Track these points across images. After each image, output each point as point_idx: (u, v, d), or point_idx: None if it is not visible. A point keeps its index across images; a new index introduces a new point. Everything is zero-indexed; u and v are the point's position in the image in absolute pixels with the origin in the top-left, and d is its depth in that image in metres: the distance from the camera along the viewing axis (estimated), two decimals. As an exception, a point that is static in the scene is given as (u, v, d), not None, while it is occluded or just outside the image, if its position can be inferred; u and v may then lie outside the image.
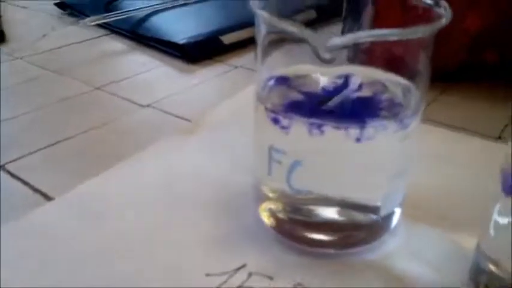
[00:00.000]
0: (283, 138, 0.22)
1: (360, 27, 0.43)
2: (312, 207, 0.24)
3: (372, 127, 0.20)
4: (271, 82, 0.25)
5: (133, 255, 0.24)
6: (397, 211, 0.25)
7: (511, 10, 0.40)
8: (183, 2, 0.58)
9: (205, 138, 0.34)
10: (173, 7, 0.58)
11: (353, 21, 0.46)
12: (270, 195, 0.25)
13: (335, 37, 0.19)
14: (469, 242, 0.23)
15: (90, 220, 0.26)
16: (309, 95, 0.23)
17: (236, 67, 0.47)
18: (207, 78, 0.45)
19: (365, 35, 0.19)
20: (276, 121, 0.22)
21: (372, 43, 0.22)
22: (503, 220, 0.19)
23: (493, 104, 0.39)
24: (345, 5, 0.49)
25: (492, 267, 0.20)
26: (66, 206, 0.27)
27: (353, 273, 0.23)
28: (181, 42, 0.49)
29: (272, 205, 0.25)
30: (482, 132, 0.35)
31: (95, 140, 0.35)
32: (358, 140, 0.21)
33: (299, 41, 0.22)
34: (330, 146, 0.21)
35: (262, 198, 0.25)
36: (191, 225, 0.26)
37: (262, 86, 0.25)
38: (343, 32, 0.47)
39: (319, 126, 0.21)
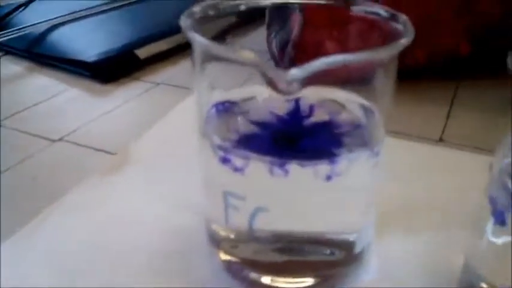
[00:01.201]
0: (239, 181, 0.19)
1: (287, 35, 0.42)
2: (278, 248, 0.21)
3: (343, 161, 0.18)
4: (215, 110, 0.22)
5: None
6: (369, 242, 0.23)
7: (432, 11, 0.40)
8: (84, 14, 0.52)
9: (136, 174, 0.30)
10: (74, 20, 0.52)
11: (279, 28, 0.45)
12: (229, 239, 0.22)
13: (293, 69, 0.16)
14: (450, 263, 0.22)
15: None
16: (262, 126, 0.20)
17: (157, 84, 0.43)
18: (125, 99, 0.40)
19: (325, 63, 0.17)
20: (226, 161, 0.19)
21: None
22: (499, 240, 0.18)
23: (427, 105, 0.38)
24: (267, 12, 0.47)
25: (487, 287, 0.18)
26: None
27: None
28: (90, 60, 0.43)
29: (232, 251, 0.22)
30: (423, 135, 0.35)
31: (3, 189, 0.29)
32: (328, 177, 0.18)
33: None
34: (296, 187, 0.19)
35: (220, 242, 0.22)
36: (145, 282, 0.22)
37: (205, 116, 0.21)
38: (268, 39, 0.45)
39: (282, 165, 0.18)
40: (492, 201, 0.17)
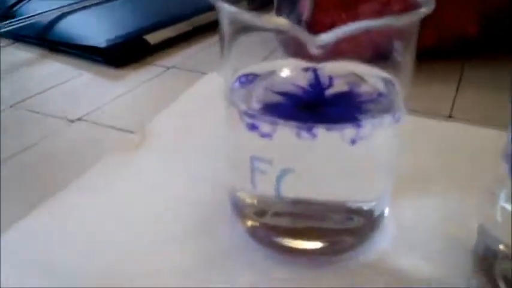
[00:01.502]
0: (267, 146, 0.20)
1: (297, 18, 0.42)
2: (304, 215, 0.22)
3: (367, 125, 0.19)
4: (241, 80, 0.22)
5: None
6: (387, 209, 0.23)
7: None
8: (95, 2, 0.53)
9: (156, 149, 0.30)
10: (84, 7, 0.52)
11: (289, 11, 0.45)
12: (254, 205, 0.23)
13: (323, 34, 0.17)
14: (463, 229, 0.22)
15: (36, 265, 0.22)
16: (286, 96, 0.21)
17: (168, 68, 0.44)
18: (138, 82, 0.41)
19: (351, 29, 0.17)
20: (254, 127, 0.20)
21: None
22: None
23: (436, 84, 0.39)
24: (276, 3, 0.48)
25: (506, 250, 0.19)
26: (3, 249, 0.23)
27: (351, 276, 0.22)
28: (102, 45, 0.44)
29: (258, 215, 0.23)
30: (434, 112, 0.35)
31: (22, 168, 0.30)
32: (353, 141, 0.19)
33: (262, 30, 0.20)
34: (323, 150, 0.19)
35: (244, 208, 0.23)
36: (171, 251, 0.23)
37: (230, 86, 0.22)
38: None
39: (309, 129, 0.19)
40: (505, 162, 0.18)
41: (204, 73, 0.41)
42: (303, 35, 0.17)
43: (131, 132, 0.33)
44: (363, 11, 0.26)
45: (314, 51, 0.17)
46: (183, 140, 0.31)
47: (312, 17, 0.39)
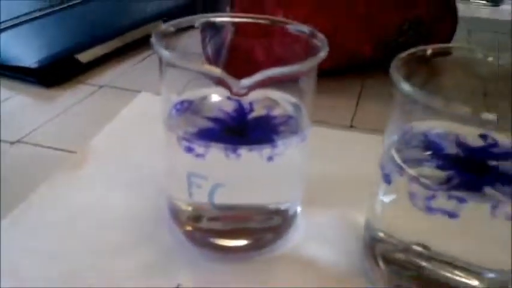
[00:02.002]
0: (201, 164, 0.24)
1: (221, 40, 0.47)
2: (232, 219, 0.27)
3: (281, 145, 0.24)
4: (176, 108, 0.27)
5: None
6: (298, 208, 0.29)
7: (341, 22, 0.47)
8: (23, 20, 0.54)
9: (99, 167, 0.34)
10: (11, 27, 0.53)
11: (213, 34, 0.50)
12: (190, 212, 0.27)
13: (244, 80, 0.22)
14: (358, 222, 0.28)
15: None
16: (215, 121, 0.26)
17: (100, 87, 0.46)
18: (72, 102, 0.43)
19: (269, 73, 0.22)
20: (190, 150, 0.25)
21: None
22: (387, 199, 0.24)
23: (339, 98, 0.46)
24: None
25: (383, 236, 0.25)
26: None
27: (273, 267, 0.27)
28: (33, 66, 0.46)
29: (194, 220, 0.27)
30: (337, 122, 0.42)
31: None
32: (270, 158, 0.24)
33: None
34: (246, 166, 0.24)
35: (181, 215, 0.27)
36: (117, 255, 0.27)
37: (168, 113, 0.26)
38: (203, 43, 0.50)
39: (235, 150, 0.24)
40: (382, 167, 0.24)
41: (136, 91, 0.45)
42: (229, 80, 0.22)
43: (72, 152, 0.36)
44: (276, 41, 0.31)
45: (237, 90, 0.22)
46: (124, 157, 0.35)
47: (233, 42, 0.43)
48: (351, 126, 0.42)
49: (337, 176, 0.33)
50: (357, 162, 0.34)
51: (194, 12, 0.53)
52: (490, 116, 0.19)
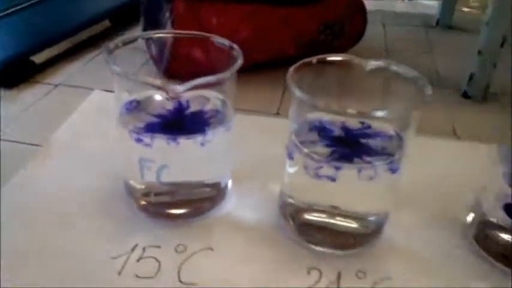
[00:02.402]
0: (149, 151, 0.32)
1: (162, 41, 0.53)
2: (176, 192, 0.34)
3: (211, 133, 0.32)
4: (126, 107, 0.33)
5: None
6: (229, 182, 0.37)
7: (264, 26, 0.55)
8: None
9: (62, 157, 0.40)
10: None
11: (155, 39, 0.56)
12: (143, 189, 0.34)
13: (179, 86, 0.29)
14: (274, 191, 0.36)
15: None
16: (159, 117, 0.33)
17: (56, 85, 0.52)
18: (31, 102, 0.49)
19: (199, 82, 0.29)
20: (139, 140, 0.32)
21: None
22: (291, 171, 0.33)
23: (267, 89, 0.53)
24: (142, 20, 0.58)
25: (290, 200, 0.33)
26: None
27: (210, 229, 0.34)
28: (-8, 68, 0.51)
29: (145, 196, 0.34)
30: (265, 110, 0.50)
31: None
32: (202, 144, 0.32)
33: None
34: (184, 151, 0.32)
35: (136, 192, 0.35)
36: (83, 227, 0.33)
37: (120, 111, 0.33)
38: (147, 43, 0.56)
39: (175, 139, 0.31)
40: (287, 147, 0.32)
41: (89, 88, 0.51)
42: (167, 86, 0.29)
43: (37, 145, 0.42)
44: (210, 47, 0.38)
45: (173, 95, 0.29)
46: (84, 147, 0.41)
47: (174, 44, 0.50)
48: (277, 114, 0.50)
49: (260, 156, 0.41)
50: (278, 144, 0.42)
51: (138, 11, 0.59)
52: (351, 110, 0.27)
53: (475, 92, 0.53)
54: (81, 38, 0.60)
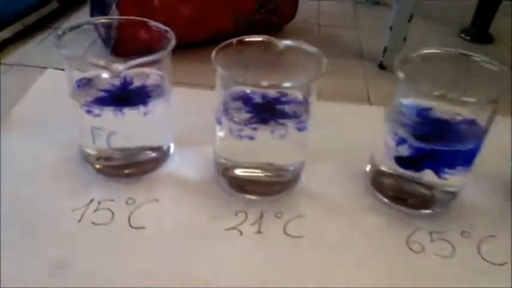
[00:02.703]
0: (99, 121, 0.37)
1: (109, 27, 0.58)
2: (124, 155, 0.40)
3: (152, 104, 0.38)
4: (78, 84, 0.39)
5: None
6: (172, 145, 0.43)
7: (205, 5, 0.60)
8: None
9: (22, 131, 0.45)
10: None
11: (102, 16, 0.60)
12: (96, 154, 0.40)
13: (119, 65, 0.34)
14: (210, 153, 0.43)
15: None
16: (106, 91, 0.38)
17: (11, 65, 0.56)
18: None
19: (138, 61, 0.35)
20: (90, 112, 0.37)
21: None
22: (220, 134, 0.39)
23: (204, 64, 0.59)
24: (89, 3, 0.62)
25: (222, 159, 0.40)
26: None
27: (156, 184, 0.41)
28: None
29: (98, 160, 0.40)
30: (202, 84, 0.56)
31: None
32: (145, 113, 0.37)
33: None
34: (129, 119, 0.37)
35: (90, 157, 0.40)
36: (49, 187, 0.39)
37: (72, 88, 0.38)
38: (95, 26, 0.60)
39: (120, 110, 0.37)
40: (215, 115, 0.38)
41: (42, 67, 0.55)
42: (109, 66, 0.34)
43: (-2, 119, 0.46)
44: (150, 29, 0.43)
45: (115, 73, 0.35)
46: (41, 121, 0.46)
47: (118, 30, 0.55)
48: (212, 87, 0.56)
49: (198, 123, 0.47)
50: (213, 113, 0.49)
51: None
52: (264, 82, 0.33)
53: (389, 63, 0.60)
54: (31, 20, 0.64)
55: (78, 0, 0.72)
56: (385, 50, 0.61)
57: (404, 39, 0.59)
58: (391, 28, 0.59)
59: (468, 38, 0.73)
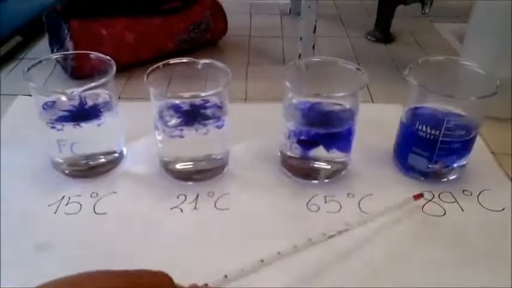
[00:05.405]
0: (62, 134, 0.46)
1: (65, 51, 0.67)
2: (86, 160, 0.49)
3: (104, 117, 0.47)
4: (43, 107, 0.48)
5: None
6: (124, 149, 0.52)
7: (147, 31, 0.70)
8: None
9: (2, 147, 0.54)
10: None
11: (59, 46, 0.69)
12: (63, 161, 0.49)
13: (74, 90, 0.44)
14: (154, 152, 0.52)
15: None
16: (67, 111, 0.47)
17: (-14, 94, 0.64)
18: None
19: (86, 87, 0.44)
20: (54, 127, 0.46)
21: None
22: (158, 137, 0.49)
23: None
24: (48, 34, 0.71)
25: (164, 158, 0.50)
26: None
27: (114, 180, 0.50)
28: None
29: (66, 165, 0.49)
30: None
31: None
32: (98, 125, 0.47)
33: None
34: (86, 131, 0.47)
35: (59, 164, 0.49)
36: (28, 187, 0.48)
37: (39, 110, 0.47)
38: (53, 52, 0.68)
39: (78, 124, 0.46)
40: (154, 122, 0.48)
41: (13, 95, 0.63)
42: (65, 92, 0.44)
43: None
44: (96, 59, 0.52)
45: (70, 97, 0.44)
46: (16, 137, 0.55)
47: (72, 60, 0.64)
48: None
49: (145, 130, 0.56)
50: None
51: (43, 26, 0.71)
52: (185, 94, 0.43)
53: (304, 67, 0.71)
54: (5, 50, 0.72)
55: (38, 33, 0.80)
56: (299, 56, 0.71)
57: (313, 47, 0.70)
58: (301, 38, 0.70)
59: (373, 39, 0.85)
